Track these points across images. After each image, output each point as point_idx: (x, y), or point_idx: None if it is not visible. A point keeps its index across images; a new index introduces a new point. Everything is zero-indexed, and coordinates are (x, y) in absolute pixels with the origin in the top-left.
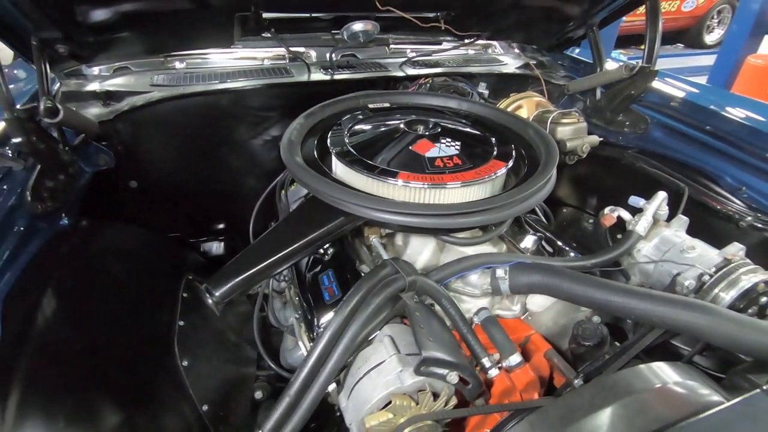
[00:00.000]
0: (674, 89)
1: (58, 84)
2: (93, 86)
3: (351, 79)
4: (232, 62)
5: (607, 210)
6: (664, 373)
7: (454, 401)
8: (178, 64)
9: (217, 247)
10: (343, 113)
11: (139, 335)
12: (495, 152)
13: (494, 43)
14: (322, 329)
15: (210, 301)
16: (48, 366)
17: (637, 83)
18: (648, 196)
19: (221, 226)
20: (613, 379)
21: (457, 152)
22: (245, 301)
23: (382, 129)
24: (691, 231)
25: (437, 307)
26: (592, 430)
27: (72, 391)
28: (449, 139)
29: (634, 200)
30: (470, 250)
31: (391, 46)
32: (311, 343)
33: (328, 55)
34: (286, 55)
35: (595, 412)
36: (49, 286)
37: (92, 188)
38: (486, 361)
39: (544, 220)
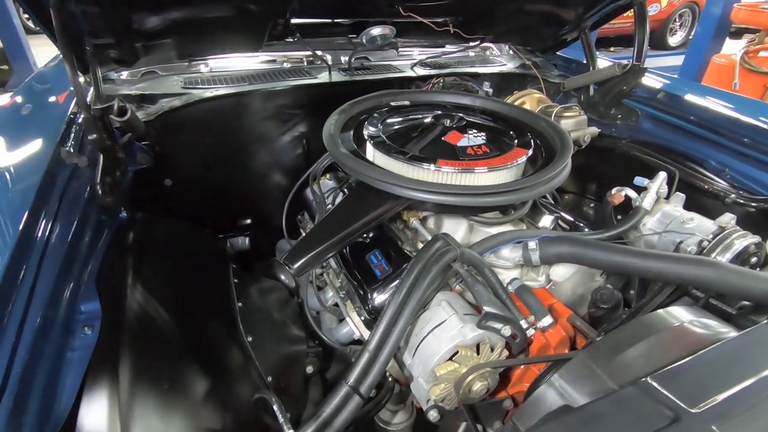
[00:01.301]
0: (660, 84)
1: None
2: (124, 90)
3: (368, 80)
4: (254, 65)
5: (615, 189)
6: (682, 314)
7: (506, 354)
8: (203, 68)
9: (242, 242)
10: (369, 110)
11: (208, 314)
12: (516, 142)
13: (491, 45)
14: (390, 295)
15: (285, 275)
16: (146, 337)
17: (629, 80)
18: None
19: (247, 221)
20: (646, 319)
21: (483, 141)
22: (280, 287)
23: (412, 122)
24: (685, 208)
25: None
26: (637, 355)
27: (168, 359)
28: (475, 131)
29: (639, 180)
30: (496, 230)
31: (400, 49)
32: (362, 317)
33: (344, 59)
34: (305, 58)
35: (638, 343)
36: (127, 271)
37: (134, 186)
38: (523, 323)
39: (552, 201)
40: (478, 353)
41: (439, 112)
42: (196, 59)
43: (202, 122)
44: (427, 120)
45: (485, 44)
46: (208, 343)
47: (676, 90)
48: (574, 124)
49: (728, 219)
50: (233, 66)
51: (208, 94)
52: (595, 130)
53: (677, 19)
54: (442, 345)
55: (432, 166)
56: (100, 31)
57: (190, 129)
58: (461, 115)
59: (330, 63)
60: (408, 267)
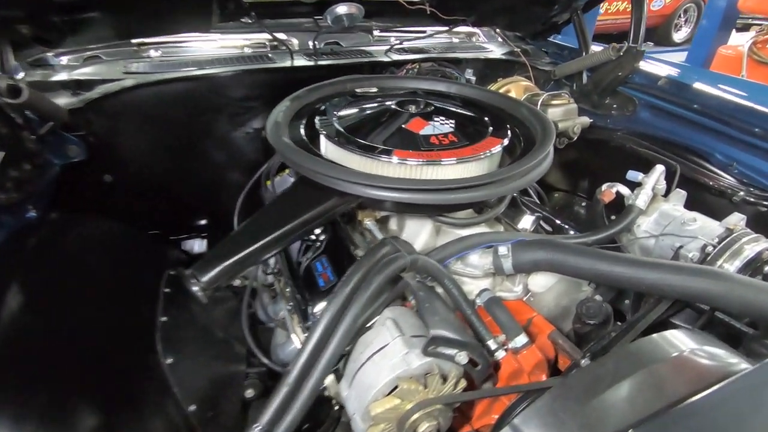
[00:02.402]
0: (660, 70)
1: (23, 74)
2: (61, 76)
3: (335, 64)
4: (212, 50)
5: (605, 186)
6: (681, 340)
7: (463, 384)
8: (153, 53)
9: (199, 245)
10: (330, 98)
11: (116, 332)
12: (490, 130)
13: (478, 31)
14: (319, 314)
15: (195, 287)
16: (17, 364)
17: (624, 64)
18: None
19: (203, 222)
20: (635, 347)
21: (451, 130)
22: (232, 296)
23: (373, 110)
24: (687, 208)
25: (439, 289)
26: (620, 399)
27: (44, 390)
28: (443, 118)
29: (632, 175)
30: (467, 232)
31: (375, 33)
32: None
33: (311, 42)
34: (268, 43)
35: (621, 381)
36: (17, 280)
37: (64, 182)
38: (492, 343)
39: (537, 199)
40: (426, 386)
41: (405, 98)
42: (146, 43)
43: (144, 111)
44: (390, 107)
45: (471, 30)
46: (110, 368)
47: (679, 76)
48: (563, 113)
49: (737, 220)
50: (188, 51)
51: (149, 79)
52: (586, 120)
53: (682, 15)
54: (381, 376)
55: (388, 158)
56: (5, 2)
57: (131, 119)
58: (429, 101)
59: (296, 48)
60: (344, 278)
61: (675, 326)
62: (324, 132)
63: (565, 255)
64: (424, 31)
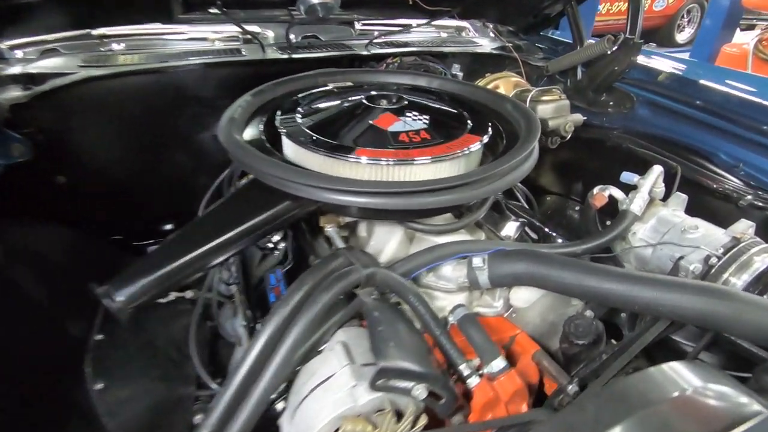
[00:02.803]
0: (660, 64)
1: None
2: (14, 70)
3: (310, 58)
4: (178, 44)
5: (596, 189)
6: (682, 376)
7: (423, 422)
8: (115, 46)
9: None
10: (298, 93)
11: (39, 353)
12: (469, 127)
13: (468, 25)
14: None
15: (112, 306)
16: None
17: (621, 58)
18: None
19: (170, 227)
20: (621, 386)
21: (425, 126)
22: (190, 309)
23: (341, 106)
24: (688, 213)
25: (407, 306)
26: None
27: None
28: (416, 113)
29: (627, 176)
30: (444, 239)
31: (357, 26)
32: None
33: (285, 33)
34: (241, 36)
35: (609, 428)
36: None
37: (12, 184)
38: (464, 368)
39: (527, 206)
40: (376, 426)
41: (376, 92)
42: (109, 36)
43: (100, 106)
44: (359, 102)
45: (460, 24)
46: (26, 394)
47: (680, 70)
48: (554, 110)
49: (744, 227)
50: (153, 45)
51: (104, 72)
52: (579, 117)
53: (685, 15)
54: (322, 414)
55: (349, 157)
56: None
57: (86, 114)
58: (403, 95)
59: (270, 42)
60: (285, 294)
61: (675, 345)
62: (283, 129)
63: (548, 268)
64: (410, 25)
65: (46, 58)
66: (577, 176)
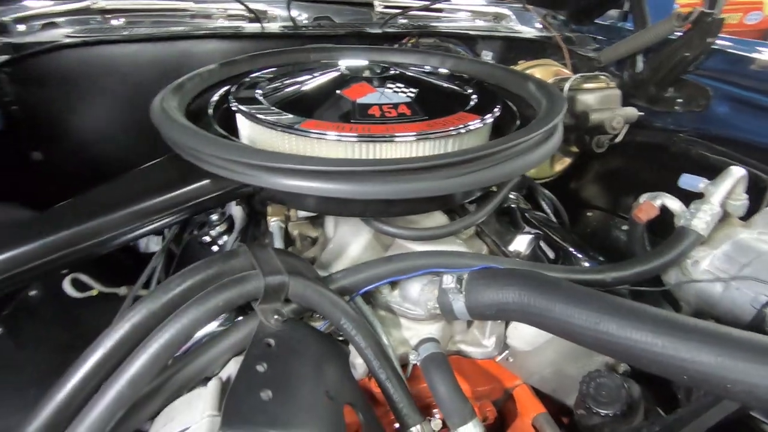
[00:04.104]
0: (745, 48)
1: None
2: (8, 40)
3: (314, 34)
4: (184, 19)
5: (644, 197)
6: None
7: None
8: (114, 22)
9: (155, 241)
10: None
11: None
12: (471, 105)
13: (509, 13)
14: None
15: None
16: None
17: (694, 41)
18: None
19: None
20: None
21: (407, 100)
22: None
23: (317, 79)
24: None
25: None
26: None
27: None
28: (401, 85)
29: (689, 180)
30: (425, 248)
31: (378, 9)
32: None
33: (303, 16)
34: (247, 15)
35: None
36: None
37: None
38: (416, 431)
39: (553, 218)
40: None
41: (363, 65)
42: (110, 11)
43: (82, 79)
44: (340, 75)
45: (500, 11)
46: None
47: None
48: (598, 101)
49: None
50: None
51: (87, 39)
52: (632, 111)
53: None
54: None
55: (290, 130)
56: None
57: (65, 87)
58: (391, 67)
59: (279, 22)
60: (138, 302)
61: (756, 425)
62: (233, 100)
63: (549, 300)
64: (440, 10)
65: (46, 30)
66: (628, 188)
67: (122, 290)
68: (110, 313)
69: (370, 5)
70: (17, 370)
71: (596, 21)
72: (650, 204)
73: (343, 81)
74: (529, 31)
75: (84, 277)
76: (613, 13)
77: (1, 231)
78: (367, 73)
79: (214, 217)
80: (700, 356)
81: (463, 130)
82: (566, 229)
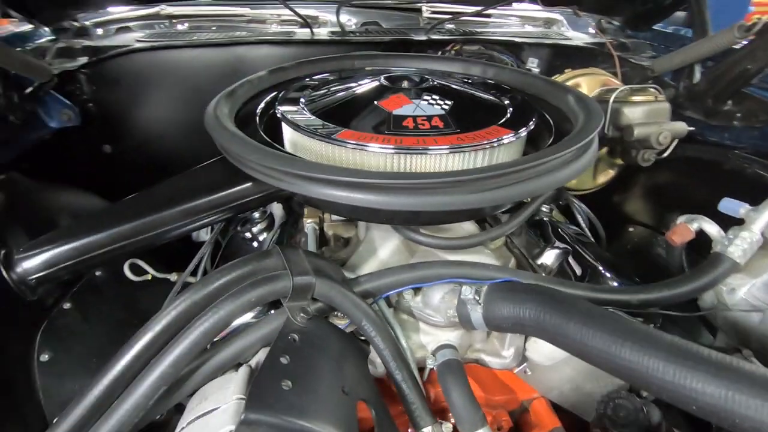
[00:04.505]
0: None
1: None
2: (86, 43)
3: (360, 41)
4: (241, 24)
5: (681, 219)
6: None
7: None
8: (179, 26)
9: (206, 231)
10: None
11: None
12: (504, 118)
13: (560, 18)
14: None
15: (12, 277)
16: None
17: (758, 52)
18: None
19: None
20: None
21: (441, 112)
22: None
23: (360, 88)
24: None
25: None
26: None
27: None
28: (437, 97)
29: (729, 205)
30: (454, 257)
31: (426, 14)
32: None
33: (351, 21)
34: (298, 21)
35: None
36: None
37: (59, 147)
38: None
39: (588, 233)
40: None
41: (402, 72)
42: (176, 16)
43: (148, 79)
44: (379, 84)
45: (551, 16)
46: None
47: None
48: (645, 114)
49: None
50: (215, 26)
51: (154, 44)
52: (681, 126)
53: None
54: None
55: (329, 138)
56: None
57: (135, 87)
58: (433, 78)
59: (329, 27)
60: (176, 298)
61: None
62: (280, 107)
63: (565, 318)
64: (488, 16)
65: (120, 34)
66: (674, 206)
67: (173, 276)
68: (163, 296)
69: (418, 11)
70: (82, 340)
71: (655, 27)
72: (686, 227)
73: (382, 91)
74: (580, 38)
75: (141, 263)
76: (681, 14)
77: (78, 221)
78: (405, 84)
79: (257, 215)
80: (710, 388)
81: (495, 144)
82: (601, 245)
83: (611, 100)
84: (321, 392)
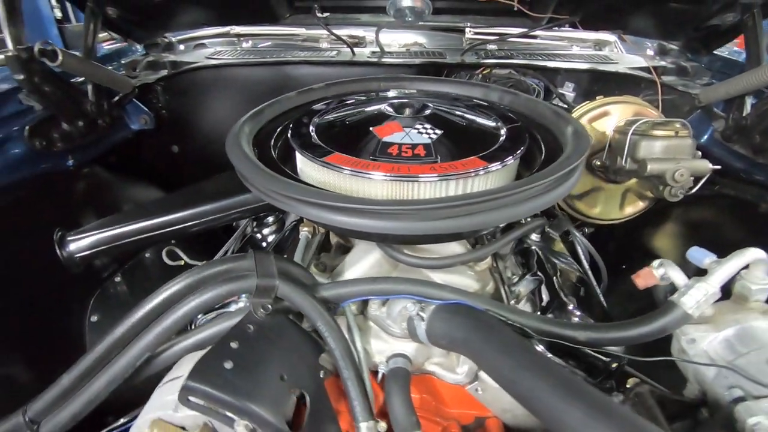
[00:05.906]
0: None
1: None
2: (168, 58)
3: (394, 63)
4: (295, 42)
5: (655, 263)
6: None
7: None
8: (244, 44)
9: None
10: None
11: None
12: (488, 151)
13: (613, 39)
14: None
15: (63, 254)
16: None
17: None
18: None
19: None
20: None
21: (427, 141)
22: None
23: (362, 115)
24: None
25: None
26: None
27: None
28: (430, 126)
29: (696, 254)
30: (436, 276)
31: (468, 35)
32: None
33: (398, 43)
34: (347, 40)
35: None
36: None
37: (137, 146)
38: (363, 427)
39: (585, 265)
40: None
41: (407, 99)
42: (243, 35)
43: (210, 91)
44: (382, 110)
45: (602, 38)
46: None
47: None
48: (663, 149)
49: None
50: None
51: (216, 62)
52: (702, 165)
53: None
54: (150, 407)
55: (319, 159)
56: None
57: (199, 97)
58: (436, 105)
59: (372, 47)
60: (164, 285)
61: None
62: (291, 131)
63: (484, 342)
64: (534, 36)
65: (197, 50)
66: (704, 244)
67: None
68: None
69: (461, 31)
70: (125, 308)
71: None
72: (650, 271)
73: (382, 117)
74: (632, 61)
75: (177, 250)
76: None
77: (120, 214)
78: (405, 111)
79: (270, 219)
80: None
81: (471, 175)
82: (601, 278)
83: (630, 133)
84: (257, 376)
